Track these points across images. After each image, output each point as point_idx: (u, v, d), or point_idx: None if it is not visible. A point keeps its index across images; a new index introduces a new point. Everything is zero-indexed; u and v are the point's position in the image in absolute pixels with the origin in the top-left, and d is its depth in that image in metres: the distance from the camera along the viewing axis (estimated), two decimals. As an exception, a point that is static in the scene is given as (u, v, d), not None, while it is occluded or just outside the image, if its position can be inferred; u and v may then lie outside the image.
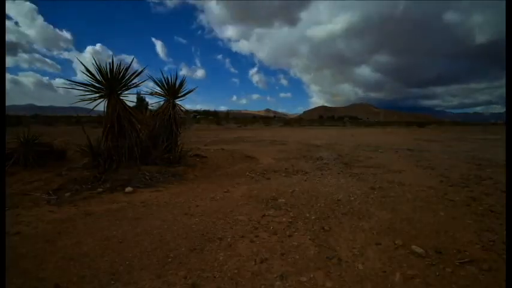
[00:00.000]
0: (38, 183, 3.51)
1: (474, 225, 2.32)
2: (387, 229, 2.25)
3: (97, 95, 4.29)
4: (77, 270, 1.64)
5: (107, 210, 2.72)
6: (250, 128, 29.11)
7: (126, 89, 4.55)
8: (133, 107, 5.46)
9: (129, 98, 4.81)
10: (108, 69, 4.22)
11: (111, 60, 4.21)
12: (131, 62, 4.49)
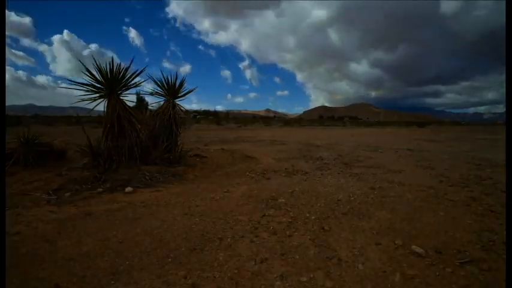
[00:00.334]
0: (38, 183, 3.51)
1: (474, 225, 2.32)
2: (387, 229, 2.25)
3: (97, 95, 4.29)
4: (77, 270, 1.64)
5: (107, 210, 2.72)
6: (250, 128, 29.12)
7: (126, 89, 4.55)
8: (133, 107, 5.46)
9: (129, 98, 4.82)
10: (108, 69, 4.23)
11: (110, 60, 4.21)
12: (131, 62, 4.49)
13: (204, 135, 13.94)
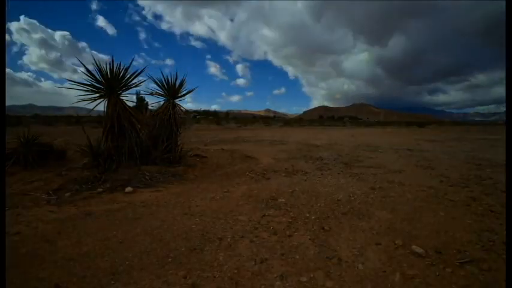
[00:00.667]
0: (38, 183, 3.51)
1: (474, 225, 2.32)
2: (387, 229, 2.25)
3: (97, 95, 4.29)
4: (77, 270, 1.64)
5: (107, 210, 2.72)
6: (250, 128, 29.12)
7: (126, 89, 4.55)
8: (133, 107, 5.46)
9: (129, 98, 4.82)
10: (108, 69, 4.23)
11: (111, 60, 4.22)
12: (131, 61, 4.49)
13: (204, 135, 13.94)
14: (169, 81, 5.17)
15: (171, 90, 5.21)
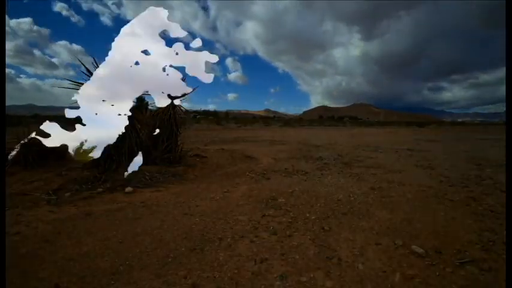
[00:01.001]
0: (38, 183, 3.51)
1: (474, 225, 2.32)
2: (387, 229, 2.25)
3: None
4: (77, 270, 1.64)
5: (107, 210, 2.72)
6: (250, 128, 29.12)
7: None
8: (133, 107, 5.45)
9: (129, 98, 4.81)
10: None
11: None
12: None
13: (204, 135, 13.95)
14: (169, 81, 5.17)
15: (171, 90, 5.21)
